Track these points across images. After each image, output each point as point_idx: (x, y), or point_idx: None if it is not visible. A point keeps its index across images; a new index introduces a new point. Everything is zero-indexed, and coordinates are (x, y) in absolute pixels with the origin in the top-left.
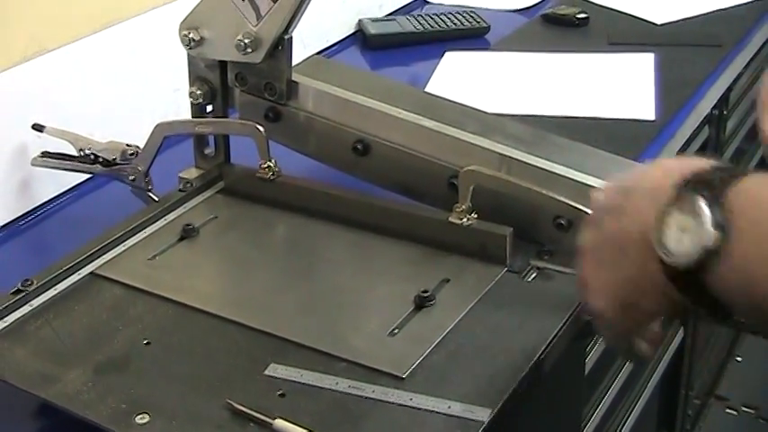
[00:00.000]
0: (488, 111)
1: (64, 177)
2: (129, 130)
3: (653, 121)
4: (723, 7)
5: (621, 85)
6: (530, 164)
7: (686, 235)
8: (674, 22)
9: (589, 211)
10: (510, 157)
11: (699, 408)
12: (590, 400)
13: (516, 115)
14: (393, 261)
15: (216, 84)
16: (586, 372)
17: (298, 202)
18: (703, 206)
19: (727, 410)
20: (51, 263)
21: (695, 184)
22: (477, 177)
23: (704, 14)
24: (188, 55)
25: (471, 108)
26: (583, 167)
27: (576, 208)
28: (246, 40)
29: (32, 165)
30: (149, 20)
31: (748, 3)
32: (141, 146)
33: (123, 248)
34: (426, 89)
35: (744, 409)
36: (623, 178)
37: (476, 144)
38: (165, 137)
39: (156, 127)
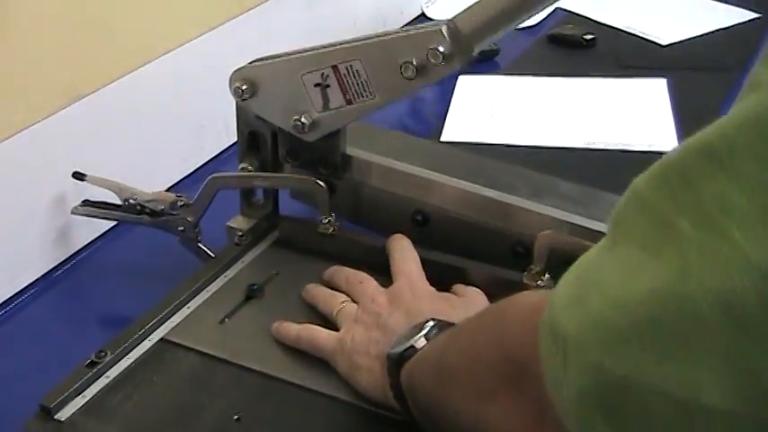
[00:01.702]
0: (514, 143)
1: (99, 223)
2: (157, 168)
3: None
4: (725, 26)
5: (639, 114)
6: (592, 229)
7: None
8: (678, 42)
9: None
10: (571, 222)
11: None
12: None
13: (542, 147)
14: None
15: (267, 134)
16: None
17: (359, 257)
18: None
19: None
20: (94, 312)
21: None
22: (553, 241)
23: (707, 34)
24: (237, 105)
25: (520, 168)
26: None
27: None
28: (305, 121)
29: (73, 213)
30: (177, 57)
31: (748, 21)
32: (178, 191)
33: (189, 310)
34: (448, 117)
35: None
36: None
37: (535, 211)
38: (219, 190)
39: (209, 179)
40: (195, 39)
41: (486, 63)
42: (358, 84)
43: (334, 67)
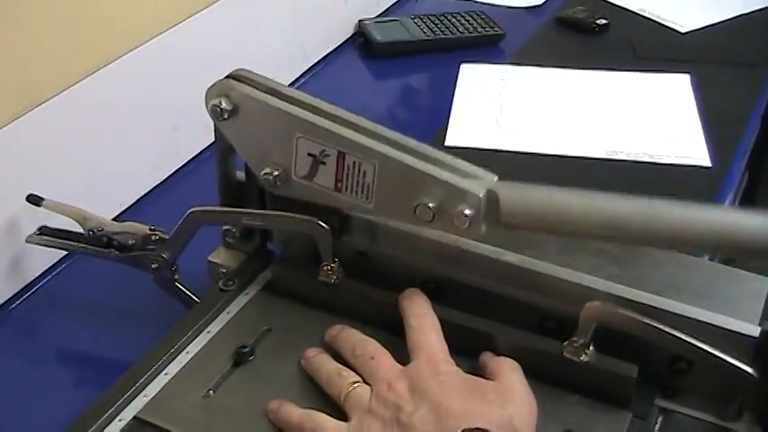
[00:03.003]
0: (525, 150)
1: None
2: (127, 175)
3: (709, 168)
4: (746, 12)
5: (663, 116)
6: (637, 302)
7: None
8: (698, 29)
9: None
10: (613, 294)
11: None
12: None
13: (557, 156)
14: None
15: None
16: None
17: (366, 313)
18: None
19: None
20: (52, 349)
21: None
22: (602, 314)
23: (728, 20)
24: (215, 126)
25: None
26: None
27: (697, 347)
28: (278, 177)
29: (27, 242)
30: (144, 55)
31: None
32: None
33: (168, 378)
34: (452, 116)
35: None
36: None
37: (569, 280)
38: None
39: (189, 214)
40: (163, 32)
41: (490, 49)
42: (358, 183)
43: (341, 154)
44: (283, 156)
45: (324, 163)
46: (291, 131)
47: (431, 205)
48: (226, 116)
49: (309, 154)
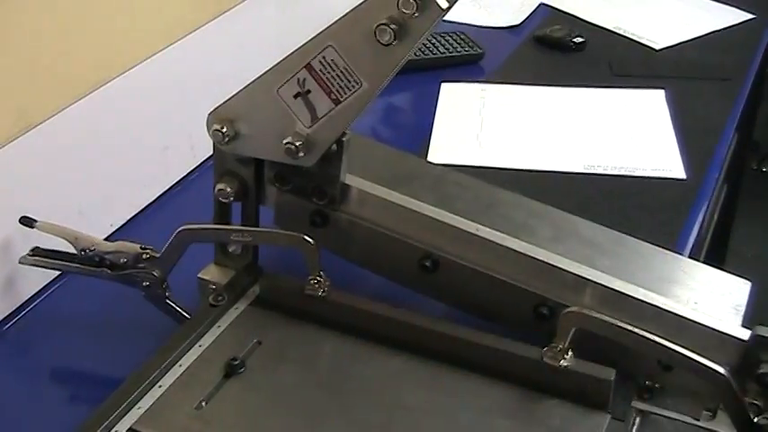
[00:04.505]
0: (506, 166)
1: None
2: (118, 195)
3: (684, 180)
4: (718, 28)
5: (639, 131)
6: (627, 294)
7: None
8: (672, 46)
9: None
10: (604, 285)
11: None
12: None
13: (537, 171)
14: (482, 410)
15: (249, 180)
16: None
17: (351, 322)
18: None
19: None
20: (46, 369)
21: None
22: (581, 320)
23: (701, 37)
24: (214, 147)
25: (535, 203)
26: (682, 294)
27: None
28: (297, 143)
29: (21, 263)
30: (136, 76)
31: (741, 23)
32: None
33: (161, 391)
34: (433, 134)
35: None
36: None
37: (563, 269)
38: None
39: (179, 232)
40: (153, 55)
41: (470, 68)
42: (339, 75)
43: (308, 67)
44: (285, 121)
45: (309, 91)
46: (272, 92)
47: (387, 23)
48: (229, 137)
49: (295, 95)
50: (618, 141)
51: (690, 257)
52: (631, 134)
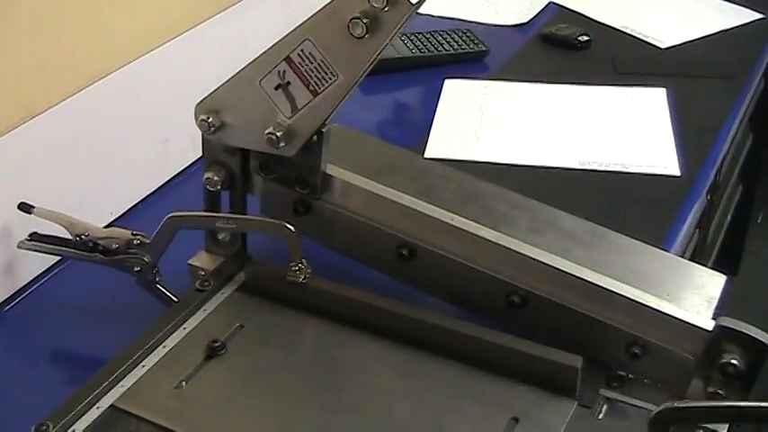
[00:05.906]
0: (503, 161)
1: (48, 256)
2: (119, 185)
3: (678, 177)
4: (726, 28)
5: (637, 129)
6: (599, 286)
7: None
8: (678, 45)
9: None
10: (572, 275)
11: None
12: None
13: (533, 167)
14: (452, 394)
15: (236, 169)
16: None
17: (331, 308)
18: None
19: None
20: (43, 352)
21: None
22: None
23: (708, 36)
24: (203, 137)
25: (517, 195)
26: (655, 286)
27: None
28: (278, 133)
29: (19, 248)
30: (138, 69)
31: (750, 23)
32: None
33: (144, 370)
34: (432, 129)
35: None
36: None
37: (534, 258)
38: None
39: (167, 219)
40: (155, 48)
41: (475, 65)
42: (316, 68)
43: (287, 59)
44: (267, 112)
45: (289, 83)
46: (254, 83)
47: (358, 17)
48: (215, 127)
49: (276, 87)
50: (615, 138)
51: (681, 253)
52: (629, 131)
